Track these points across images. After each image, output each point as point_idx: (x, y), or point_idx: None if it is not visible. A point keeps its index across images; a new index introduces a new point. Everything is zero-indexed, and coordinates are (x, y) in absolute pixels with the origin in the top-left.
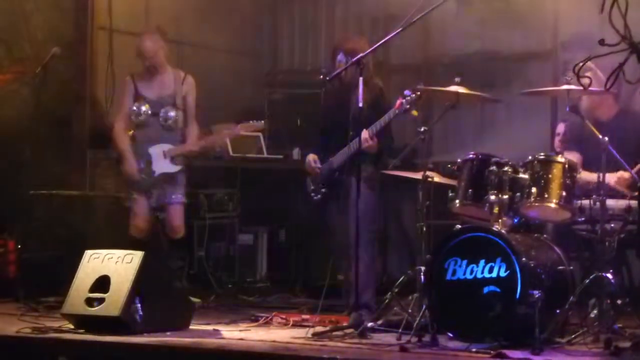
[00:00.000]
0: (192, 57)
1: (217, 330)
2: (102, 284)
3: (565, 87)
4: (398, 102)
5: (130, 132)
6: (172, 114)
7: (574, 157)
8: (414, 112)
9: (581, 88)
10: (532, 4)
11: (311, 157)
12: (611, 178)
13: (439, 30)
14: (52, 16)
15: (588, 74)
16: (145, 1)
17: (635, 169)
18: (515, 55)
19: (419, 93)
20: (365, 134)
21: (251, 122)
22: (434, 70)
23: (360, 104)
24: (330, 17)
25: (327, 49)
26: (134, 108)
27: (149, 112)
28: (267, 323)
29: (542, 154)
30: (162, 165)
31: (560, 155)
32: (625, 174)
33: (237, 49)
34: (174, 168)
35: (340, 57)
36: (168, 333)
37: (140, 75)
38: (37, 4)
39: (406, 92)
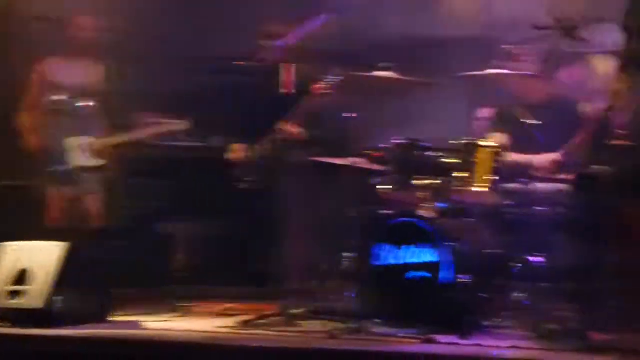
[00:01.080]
0: (116, 45)
1: (139, 321)
2: (23, 276)
3: (495, 71)
4: (320, 87)
5: (44, 121)
6: (87, 103)
7: (502, 139)
8: (336, 96)
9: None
10: None
11: (236, 147)
12: (540, 162)
13: (361, 16)
14: None
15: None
16: None
17: (563, 150)
18: (439, 40)
19: (340, 76)
20: (287, 120)
21: (174, 121)
22: (356, 55)
23: (287, 90)
24: (255, 3)
25: (253, 34)
26: (49, 98)
27: (64, 100)
28: (190, 312)
29: (469, 137)
30: (80, 158)
31: (488, 139)
32: (554, 157)
33: (161, 34)
34: (95, 162)
35: (268, 42)
36: (90, 325)
37: (55, 60)
38: None
39: (328, 77)
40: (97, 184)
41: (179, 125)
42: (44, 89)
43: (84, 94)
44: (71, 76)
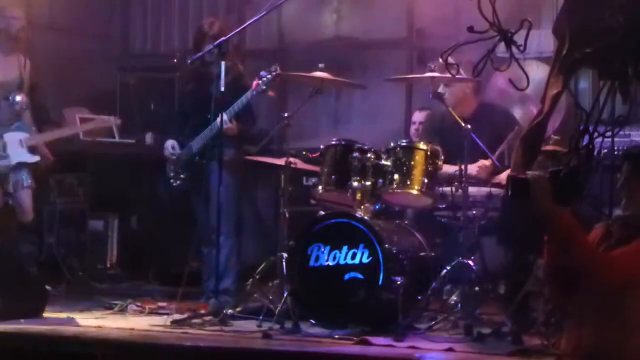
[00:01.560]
0: (41, 38)
1: (72, 318)
2: None
3: (429, 74)
4: (254, 83)
5: None
6: (18, 98)
7: (435, 143)
8: (270, 93)
9: (444, 76)
10: None
11: (169, 143)
12: (473, 168)
13: (294, 16)
14: None
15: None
16: None
17: (495, 154)
18: (371, 42)
19: (274, 73)
20: (223, 116)
21: (106, 118)
22: (289, 55)
23: (222, 88)
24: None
25: (180, 31)
26: None
27: None
28: (123, 310)
29: (404, 140)
30: (19, 153)
31: (422, 142)
32: (487, 162)
33: (88, 30)
34: (32, 158)
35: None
36: (22, 321)
37: None
38: None
39: (262, 73)
40: (30, 180)
41: (110, 122)
42: None
43: (17, 88)
44: (4, 71)
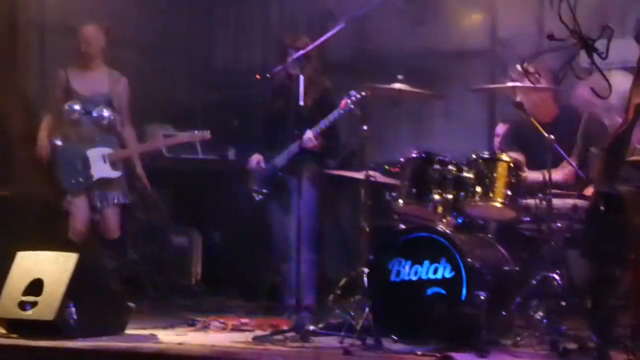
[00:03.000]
0: (125, 55)
1: (154, 335)
2: (35, 286)
3: (510, 84)
4: (343, 102)
5: (65, 131)
6: (106, 114)
7: (519, 154)
8: (357, 112)
9: (526, 85)
10: (470, 1)
11: (255, 158)
12: (557, 174)
13: (375, 28)
14: None
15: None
16: None
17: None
18: (452, 53)
19: (364, 93)
20: (308, 133)
21: (196, 131)
22: (370, 68)
23: (302, 102)
24: (266, 16)
25: (262, 48)
26: (66, 106)
27: (82, 110)
28: (205, 327)
29: (486, 152)
30: (101, 169)
31: (505, 154)
32: (571, 172)
33: (171, 48)
34: (114, 174)
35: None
36: (104, 338)
37: (73, 69)
38: None
39: (351, 92)
40: (115, 195)
41: (200, 136)
42: (64, 99)
43: (103, 104)
44: (90, 86)
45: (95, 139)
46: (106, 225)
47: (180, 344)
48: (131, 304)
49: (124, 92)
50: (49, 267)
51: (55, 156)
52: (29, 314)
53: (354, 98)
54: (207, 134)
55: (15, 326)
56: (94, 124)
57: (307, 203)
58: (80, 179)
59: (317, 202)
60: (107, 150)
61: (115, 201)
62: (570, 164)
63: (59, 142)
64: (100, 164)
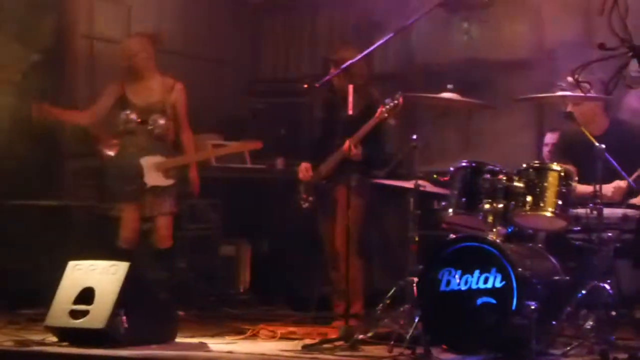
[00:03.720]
0: (173, 65)
1: (204, 343)
2: (86, 295)
3: (559, 93)
4: (379, 110)
5: (119, 140)
6: (161, 122)
7: (568, 164)
8: (391, 121)
9: (577, 95)
10: (518, 11)
11: (303, 166)
12: (607, 189)
13: (423, 38)
14: (31, 23)
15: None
16: (127, 9)
17: (633, 177)
18: (501, 63)
19: (396, 101)
20: (347, 142)
21: (249, 141)
22: (418, 78)
23: (350, 112)
24: (313, 26)
25: (310, 57)
26: (122, 116)
27: (137, 119)
28: (254, 335)
29: (536, 161)
30: (154, 177)
31: (555, 163)
32: (622, 184)
33: (219, 57)
34: (166, 182)
35: (333, 64)
36: (153, 346)
37: (129, 81)
38: (13, 12)
39: (386, 100)
40: (167, 204)
41: (252, 145)
42: (118, 108)
43: (157, 112)
44: (144, 96)
45: (149, 147)
46: (157, 234)
47: (229, 352)
48: (180, 313)
49: (179, 99)
50: (100, 276)
51: (107, 165)
52: (80, 322)
53: (388, 106)
54: (257, 144)
55: (66, 335)
56: (147, 132)
57: (353, 212)
58: (133, 187)
59: (364, 212)
60: (159, 159)
61: (167, 210)
62: (622, 175)
63: (110, 153)
64: (152, 172)
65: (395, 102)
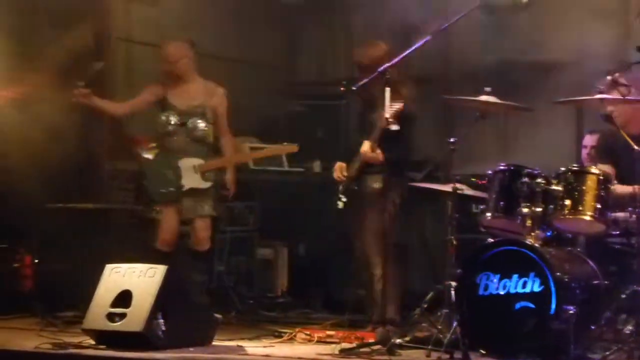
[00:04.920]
0: (209, 68)
1: (241, 346)
2: (124, 298)
3: (598, 96)
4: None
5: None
6: (200, 124)
7: (607, 167)
8: (392, 127)
9: (615, 97)
10: (555, 13)
11: (338, 165)
12: None
13: (460, 40)
14: (68, 27)
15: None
16: (163, 12)
17: None
18: (539, 65)
19: (398, 106)
20: (366, 144)
21: (285, 144)
22: (455, 80)
23: (387, 115)
24: (349, 28)
25: (346, 59)
26: (162, 118)
27: (177, 122)
28: (291, 339)
29: (575, 165)
30: (192, 179)
31: (594, 167)
32: None
33: (255, 60)
34: (204, 184)
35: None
36: (191, 349)
37: (171, 84)
38: (52, 17)
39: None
40: (205, 206)
41: (289, 149)
42: (158, 110)
43: (197, 115)
44: (185, 99)
45: (188, 149)
46: (196, 236)
47: (266, 355)
48: (218, 316)
49: (221, 103)
50: (138, 278)
51: (145, 167)
52: (118, 325)
53: (391, 111)
54: (294, 147)
55: (104, 337)
56: (187, 135)
57: (392, 215)
58: (171, 189)
59: (401, 215)
60: (198, 161)
61: (205, 212)
62: None
63: (148, 155)
64: (190, 174)
65: (397, 106)
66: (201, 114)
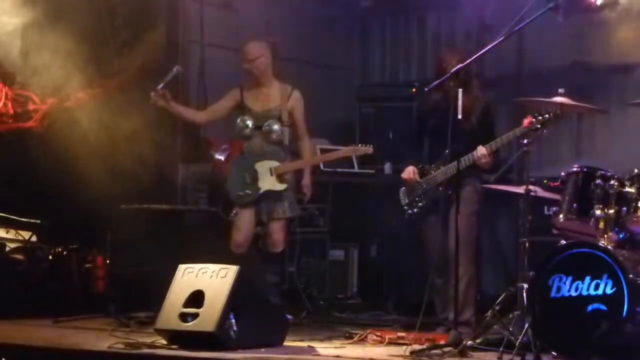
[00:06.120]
0: (283, 71)
1: (312, 347)
2: (196, 298)
3: None
4: (527, 120)
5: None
6: (276, 127)
7: None
8: (543, 133)
9: None
10: (628, 13)
11: (411, 169)
12: None
13: (534, 42)
14: (143, 30)
15: None
16: (237, 15)
17: None
18: (613, 66)
19: (553, 114)
20: (482, 149)
21: (360, 145)
22: (527, 82)
23: (460, 116)
24: (422, 31)
25: (419, 61)
26: (239, 121)
27: (254, 125)
28: (362, 340)
29: None
30: (268, 182)
31: None
32: None
33: (329, 63)
34: (279, 186)
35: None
36: (263, 350)
37: (247, 87)
38: (126, 20)
39: (536, 113)
40: (280, 209)
41: (364, 150)
42: (235, 114)
43: (273, 118)
44: (261, 102)
45: (264, 152)
46: (271, 238)
47: (337, 356)
48: (289, 316)
49: (297, 106)
50: (210, 279)
51: (221, 169)
52: (190, 325)
53: (541, 118)
54: (369, 149)
55: (176, 337)
56: (263, 137)
57: (466, 218)
58: (248, 191)
59: (476, 217)
60: (274, 164)
61: (281, 215)
62: None
63: (220, 157)
64: (267, 176)
65: (552, 114)
66: (277, 117)
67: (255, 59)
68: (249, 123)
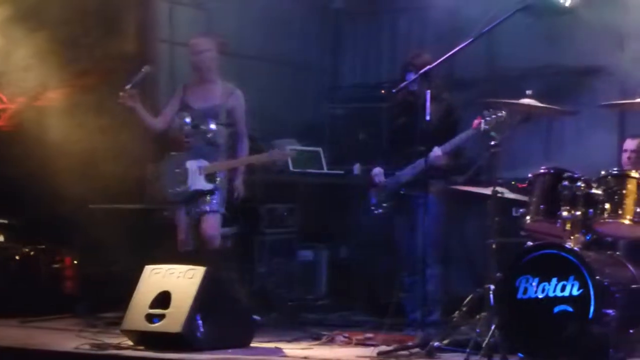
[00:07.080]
0: (253, 71)
1: (279, 348)
2: (163, 299)
3: None
4: (476, 121)
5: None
6: (212, 127)
7: None
8: (493, 134)
9: None
10: (600, 18)
11: (376, 171)
12: None
13: (505, 44)
14: (113, 30)
15: None
16: (207, 14)
17: None
18: (582, 69)
19: (501, 114)
20: (437, 151)
21: (279, 152)
22: (498, 84)
23: (428, 117)
24: (393, 32)
25: (389, 63)
26: (177, 119)
27: (191, 124)
28: (330, 341)
29: (615, 169)
30: (196, 181)
31: (634, 171)
32: None
33: (299, 63)
34: (207, 186)
35: (410, 74)
36: (230, 350)
37: (190, 85)
38: (96, 19)
39: (484, 113)
40: (208, 206)
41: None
42: (176, 108)
43: (211, 117)
44: (201, 99)
45: (200, 151)
46: (204, 232)
47: (305, 357)
48: (257, 317)
49: (237, 105)
50: (177, 280)
51: (160, 167)
52: (157, 326)
53: (488, 118)
54: (287, 154)
55: (143, 338)
56: (200, 136)
57: (433, 219)
58: (178, 190)
59: (443, 218)
60: (203, 163)
61: (211, 208)
62: None
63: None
64: (195, 176)
65: (499, 114)
66: (214, 116)
67: (201, 52)
68: (188, 120)
